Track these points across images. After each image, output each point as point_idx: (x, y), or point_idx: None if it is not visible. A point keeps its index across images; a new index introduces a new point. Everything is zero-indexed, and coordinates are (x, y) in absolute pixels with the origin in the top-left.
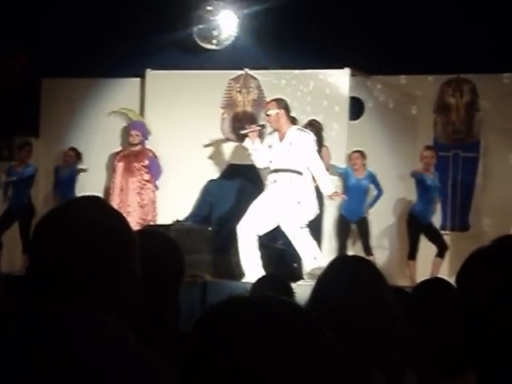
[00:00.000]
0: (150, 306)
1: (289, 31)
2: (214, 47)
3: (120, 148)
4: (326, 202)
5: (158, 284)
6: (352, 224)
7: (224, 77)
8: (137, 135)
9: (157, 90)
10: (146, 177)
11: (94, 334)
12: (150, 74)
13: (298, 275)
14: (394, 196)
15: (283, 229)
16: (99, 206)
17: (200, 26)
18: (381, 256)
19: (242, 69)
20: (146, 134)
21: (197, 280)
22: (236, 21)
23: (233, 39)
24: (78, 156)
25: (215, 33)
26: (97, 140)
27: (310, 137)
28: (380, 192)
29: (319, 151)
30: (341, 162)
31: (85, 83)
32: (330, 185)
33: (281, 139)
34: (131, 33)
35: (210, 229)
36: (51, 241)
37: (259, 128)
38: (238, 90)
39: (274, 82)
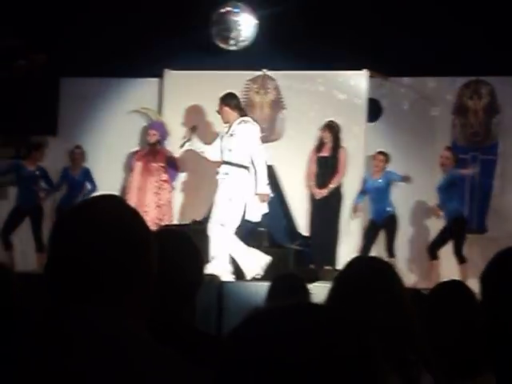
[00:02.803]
0: (167, 305)
1: (307, 32)
2: (232, 48)
3: (138, 148)
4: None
5: (176, 284)
6: (380, 226)
7: (242, 77)
8: (155, 135)
9: (175, 90)
10: (164, 177)
11: (110, 332)
12: (169, 74)
13: (315, 276)
14: (412, 197)
15: (209, 223)
16: (117, 205)
17: (218, 27)
18: (401, 257)
19: (259, 70)
20: (164, 134)
21: (213, 280)
22: (254, 22)
23: (251, 40)
24: (83, 154)
25: (233, 33)
26: (115, 140)
27: (252, 128)
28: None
29: (337, 153)
30: (358, 164)
31: (103, 83)
32: (264, 184)
33: (227, 132)
34: (150, 33)
35: None
36: (69, 239)
37: (190, 133)
38: (256, 90)
39: (291, 83)
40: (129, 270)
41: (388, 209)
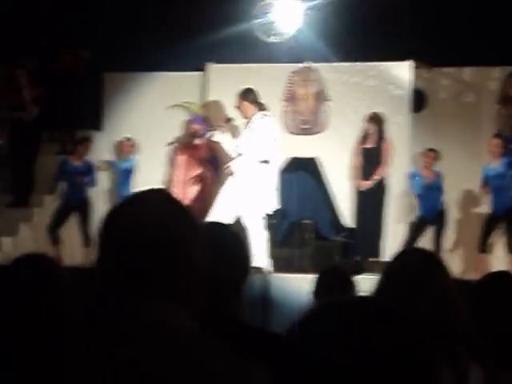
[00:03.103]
0: (216, 299)
1: (350, 23)
2: (275, 40)
3: (181, 141)
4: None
5: (225, 277)
6: (429, 222)
7: (285, 70)
8: (197, 128)
9: (218, 83)
10: (206, 170)
11: (164, 324)
12: (211, 67)
13: (360, 268)
14: (459, 188)
15: (240, 215)
16: (167, 199)
17: (261, 20)
18: (450, 250)
19: (303, 62)
20: (206, 127)
21: (258, 273)
22: (297, 14)
23: (294, 32)
24: (133, 145)
25: (276, 26)
26: (158, 133)
27: (269, 121)
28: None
29: (381, 144)
30: (403, 155)
31: (146, 77)
32: (237, 163)
33: (247, 126)
34: (192, 27)
35: (272, 222)
36: (120, 233)
37: (224, 122)
38: (300, 83)
39: (335, 74)
40: (180, 264)
41: (438, 206)
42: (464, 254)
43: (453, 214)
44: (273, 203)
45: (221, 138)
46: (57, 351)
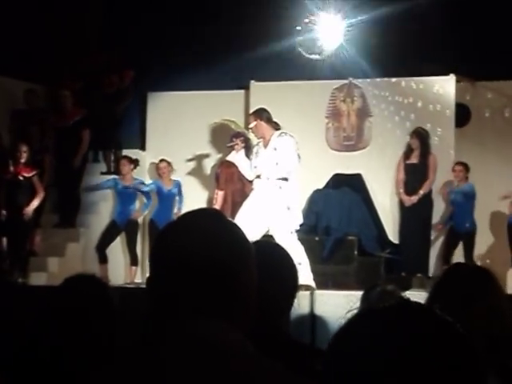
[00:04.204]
0: (266, 317)
1: (392, 39)
2: (317, 57)
3: (223, 158)
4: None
5: (275, 295)
6: (461, 236)
7: (328, 86)
8: (238, 144)
9: (261, 101)
10: (248, 186)
11: (217, 345)
12: (255, 85)
13: (407, 284)
14: (503, 203)
15: (272, 234)
16: (218, 219)
17: (303, 37)
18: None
19: (345, 78)
20: (248, 144)
21: (304, 290)
22: (340, 31)
23: (336, 49)
24: (170, 166)
25: (318, 43)
26: (201, 151)
27: (291, 139)
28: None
29: (426, 159)
30: (448, 170)
31: (190, 96)
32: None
33: (265, 146)
34: (235, 45)
35: (316, 239)
36: (173, 253)
37: (242, 141)
38: (342, 99)
39: (377, 90)
40: (232, 285)
41: (468, 222)
42: (495, 268)
43: (494, 231)
44: (299, 219)
45: (235, 158)
46: (112, 374)
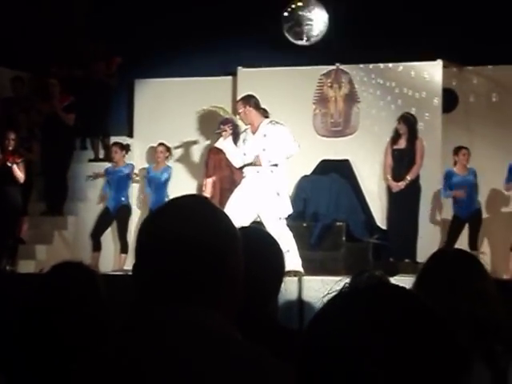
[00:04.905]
0: (253, 303)
1: (379, 25)
2: (304, 43)
3: (212, 145)
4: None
5: (261, 281)
6: (465, 221)
7: (315, 72)
8: (226, 131)
9: (249, 87)
10: (237, 172)
11: (203, 332)
12: (242, 71)
13: (395, 269)
14: (492, 189)
15: (262, 220)
16: (205, 204)
17: (290, 23)
18: (484, 249)
19: (333, 64)
20: (237, 130)
21: (292, 276)
22: (326, 16)
23: (323, 35)
24: (168, 151)
25: (306, 29)
26: (189, 138)
27: (284, 128)
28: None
29: (413, 144)
30: (435, 155)
31: (177, 83)
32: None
33: (253, 133)
34: (222, 31)
35: (304, 225)
36: (157, 240)
37: (231, 127)
38: (330, 85)
39: (365, 76)
40: (219, 271)
41: (474, 204)
42: (493, 253)
43: (484, 213)
44: (289, 206)
45: (223, 144)
46: (104, 358)
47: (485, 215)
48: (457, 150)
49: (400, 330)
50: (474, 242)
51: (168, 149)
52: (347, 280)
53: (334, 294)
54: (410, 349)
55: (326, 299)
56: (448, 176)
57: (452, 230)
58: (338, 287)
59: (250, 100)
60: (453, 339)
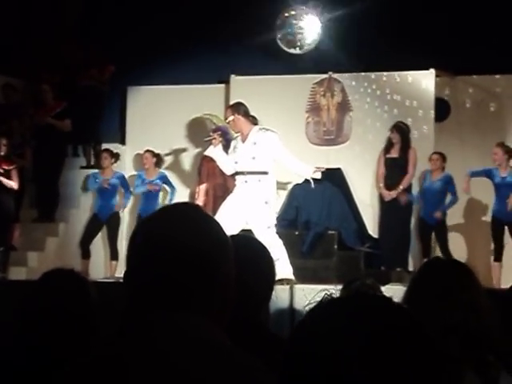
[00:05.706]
0: (244, 310)
1: (372, 33)
2: (297, 52)
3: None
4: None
5: (252, 288)
6: (431, 227)
7: (308, 81)
8: (218, 139)
9: (241, 95)
10: (230, 180)
11: (194, 340)
12: (235, 79)
13: (386, 278)
14: (483, 196)
15: (251, 228)
16: (197, 212)
17: (283, 31)
18: (460, 257)
19: (325, 73)
20: (229, 138)
21: (284, 284)
22: (319, 25)
23: (316, 43)
24: (156, 157)
25: (299, 37)
26: (181, 146)
27: (274, 135)
28: (455, 198)
29: (406, 153)
30: (427, 164)
31: (170, 91)
32: (307, 166)
33: (243, 140)
34: (215, 39)
35: (296, 233)
36: (149, 247)
37: (220, 135)
38: (322, 93)
39: (357, 85)
40: (210, 276)
41: (438, 212)
42: (474, 261)
43: (473, 221)
44: (275, 214)
45: (213, 152)
46: (94, 365)
47: (467, 221)
48: (430, 156)
49: (379, 339)
50: (445, 250)
51: (156, 155)
52: (330, 289)
53: (315, 303)
54: (389, 357)
55: (307, 308)
56: (423, 180)
57: (419, 234)
58: (319, 298)
59: (240, 108)
60: (432, 348)
